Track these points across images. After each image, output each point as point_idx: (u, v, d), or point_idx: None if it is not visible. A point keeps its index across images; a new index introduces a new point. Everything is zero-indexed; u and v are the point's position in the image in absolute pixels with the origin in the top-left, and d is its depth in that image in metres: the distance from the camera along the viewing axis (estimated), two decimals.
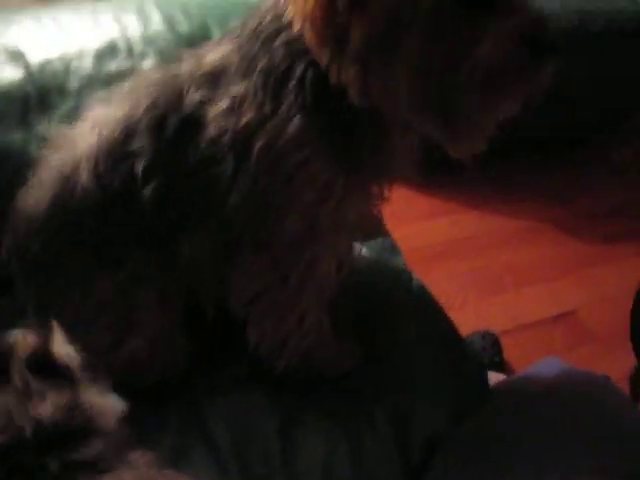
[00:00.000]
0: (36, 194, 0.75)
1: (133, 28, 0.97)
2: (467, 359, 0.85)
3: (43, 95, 0.89)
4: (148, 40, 0.96)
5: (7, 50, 0.91)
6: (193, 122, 0.68)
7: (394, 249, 0.95)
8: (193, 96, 0.69)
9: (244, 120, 0.66)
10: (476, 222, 1.77)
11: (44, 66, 0.91)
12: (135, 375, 0.75)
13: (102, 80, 0.91)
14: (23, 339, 0.63)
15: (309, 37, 0.62)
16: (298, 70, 0.64)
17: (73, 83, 0.90)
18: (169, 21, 0.99)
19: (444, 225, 1.73)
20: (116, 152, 0.71)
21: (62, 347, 0.64)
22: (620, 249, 1.75)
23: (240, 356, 0.80)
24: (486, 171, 1.88)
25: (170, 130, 0.69)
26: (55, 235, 0.74)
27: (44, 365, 0.62)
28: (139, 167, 0.69)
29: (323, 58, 0.62)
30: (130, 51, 0.94)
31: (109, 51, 0.93)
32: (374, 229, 0.94)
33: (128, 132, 0.70)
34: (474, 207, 1.79)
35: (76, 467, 0.57)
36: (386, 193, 0.76)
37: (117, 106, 0.73)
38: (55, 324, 0.65)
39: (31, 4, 1.11)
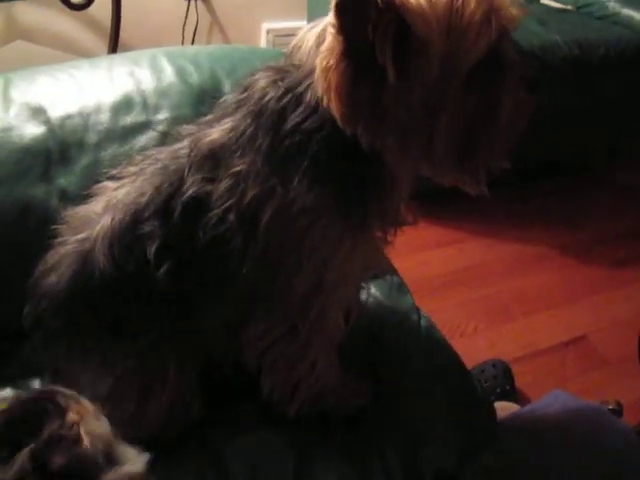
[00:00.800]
0: (56, 271, 0.78)
1: (147, 82, 1.01)
2: (475, 395, 0.87)
3: (64, 149, 0.93)
4: (161, 93, 1.00)
5: (30, 107, 0.96)
6: (197, 203, 0.71)
7: (402, 287, 0.98)
8: (195, 177, 0.71)
9: (250, 195, 0.69)
10: (484, 250, 1.79)
11: (64, 121, 0.95)
12: (151, 433, 0.77)
13: (119, 133, 0.95)
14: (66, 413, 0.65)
15: (337, 111, 0.64)
16: (312, 147, 0.67)
17: (92, 137, 0.95)
18: (180, 73, 1.03)
19: (452, 253, 1.76)
20: (128, 237, 0.74)
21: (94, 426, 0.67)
22: (629, 273, 1.76)
23: (255, 398, 0.82)
24: (493, 199, 1.92)
25: (177, 213, 0.72)
26: (75, 312, 0.77)
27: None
28: (151, 250, 0.72)
29: (350, 129, 0.65)
30: (145, 104, 0.98)
31: (125, 105, 0.98)
32: (381, 270, 0.97)
33: (137, 218, 0.73)
34: (481, 235, 1.82)
35: None
36: (390, 238, 0.79)
37: (126, 189, 0.76)
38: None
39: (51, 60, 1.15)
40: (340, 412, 0.82)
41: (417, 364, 0.87)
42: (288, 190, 0.67)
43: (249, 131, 0.69)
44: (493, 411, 0.87)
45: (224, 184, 0.70)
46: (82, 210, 0.81)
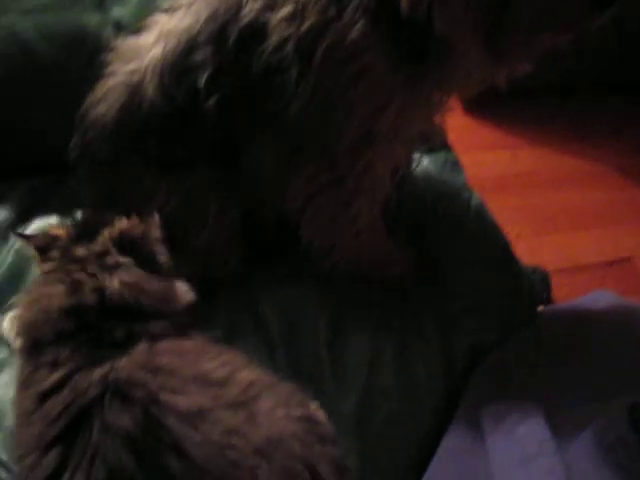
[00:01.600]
0: (105, 102, 0.77)
1: None
2: (520, 279, 0.84)
3: None
4: None
5: None
6: (254, 31, 0.67)
7: (456, 166, 0.94)
8: (253, 4, 0.67)
9: (307, 24, 0.65)
10: (536, 159, 1.71)
11: None
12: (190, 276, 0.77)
13: None
14: (121, 219, 0.67)
15: None
16: None
17: None
18: None
19: (506, 158, 1.69)
20: (179, 65, 0.71)
21: (155, 236, 0.68)
22: None
23: (293, 254, 0.81)
24: (556, 108, 1.82)
25: (231, 41, 0.68)
26: (122, 143, 0.76)
27: (131, 248, 0.65)
28: (202, 80, 0.70)
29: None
30: None
31: None
32: (436, 140, 0.93)
33: (190, 45, 0.70)
34: (538, 143, 1.74)
35: (139, 335, 0.60)
36: (449, 105, 0.74)
37: (179, 17, 0.73)
38: (156, 217, 0.68)
39: None
40: (380, 277, 0.81)
41: (465, 240, 0.85)
42: (343, 26, 0.63)
43: None
44: (535, 296, 0.85)
45: (283, 12, 0.66)
46: (133, 41, 0.78)
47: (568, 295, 1.47)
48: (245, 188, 0.77)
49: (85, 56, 0.85)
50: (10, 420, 0.63)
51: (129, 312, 0.62)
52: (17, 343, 0.64)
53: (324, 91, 0.67)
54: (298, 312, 0.78)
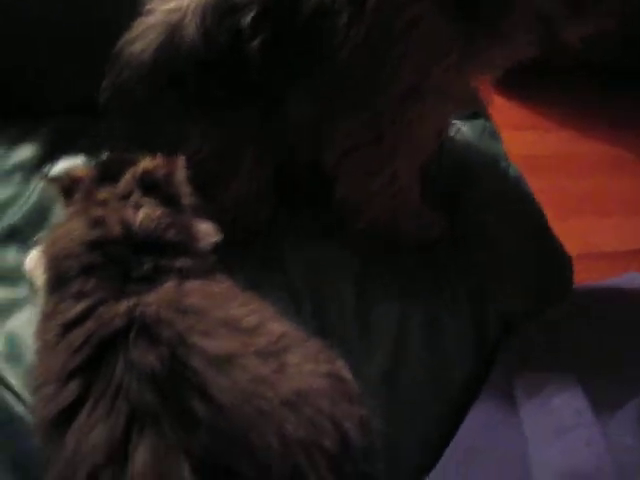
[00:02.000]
0: (142, 41, 0.74)
1: None
2: (556, 253, 0.82)
3: None
4: None
5: None
6: None
7: (494, 133, 0.91)
8: None
9: None
10: (564, 141, 1.68)
11: None
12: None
13: None
14: (146, 158, 0.65)
15: None
16: None
17: None
18: None
19: (534, 139, 1.66)
20: (222, 5, 0.69)
21: (180, 177, 0.66)
22: None
23: (324, 211, 0.79)
24: (588, 91, 1.78)
25: None
26: (158, 83, 0.73)
27: (155, 188, 0.63)
28: (246, 20, 0.67)
29: None
30: None
31: None
32: (475, 107, 0.90)
33: None
34: (568, 126, 1.70)
35: (167, 272, 0.59)
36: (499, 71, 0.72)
37: None
38: (182, 159, 0.66)
39: None
40: (411, 242, 0.79)
41: (502, 209, 0.82)
42: None
43: None
44: (571, 273, 0.82)
45: None
46: None
47: (587, 282, 1.46)
48: (282, 137, 0.74)
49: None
50: (29, 357, 0.62)
51: (156, 247, 0.60)
52: (42, 279, 0.62)
53: (376, 38, 0.64)
54: (324, 272, 0.76)
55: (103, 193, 0.63)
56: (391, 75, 0.67)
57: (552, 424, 0.54)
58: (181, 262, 0.60)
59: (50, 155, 0.85)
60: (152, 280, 0.57)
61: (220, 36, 0.69)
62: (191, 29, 0.70)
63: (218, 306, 0.58)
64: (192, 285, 0.58)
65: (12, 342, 0.68)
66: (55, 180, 0.67)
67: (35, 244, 0.70)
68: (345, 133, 0.72)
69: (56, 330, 0.55)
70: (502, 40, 0.67)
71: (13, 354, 0.67)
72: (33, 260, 0.71)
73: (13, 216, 0.79)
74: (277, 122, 0.73)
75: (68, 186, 0.65)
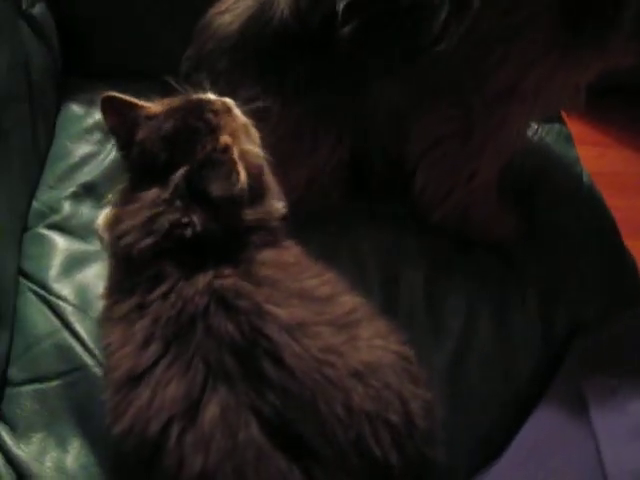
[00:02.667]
0: (231, 12, 0.74)
1: None
2: (625, 261, 0.80)
3: None
4: None
5: None
6: None
7: (569, 139, 0.90)
8: None
9: None
10: (624, 160, 1.65)
11: None
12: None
13: None
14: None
15: None
16: None
17: None
18: None
19: (593, 155, 1.62)
20: None
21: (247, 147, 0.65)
22: None
23: (400, 201, 0.79)
24: None
25: None
26: (243, 56, 0.73)
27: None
28: (341, 4, 0.66)
29: None
30: None
31: None
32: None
33: None
34: (625, 145, 1.67)
35: (243, 245, 0.59)
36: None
37: None
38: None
39: None
40: (482, 237, 0.78)
41: (574, 212, 0.81)
42: None
43: None
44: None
45: None
46: None
47: None
48: (364, 123, 0.74)
49: None
50: (97, 309, 0.63)
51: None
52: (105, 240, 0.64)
53: (479, 37, 0.63)
54: (396, 259, 0.76)
55: None
56: (488, 75, 0.66)
57: (628, 424, 0.53)
58: (256, 234, 0.60)
59: None
60: (229, 252, 0.57)
61: (313, 17, 0.68)
62: (283, 6, 0.70)
63: (291, 277, 0.58)
64: (266, 255, 0.59)
65: (82, 294, 0.70)
66: None
67: (107, 203, 0.70)
68: (431, 125, 0.71)
69: (133, 307, 0.56)
70: (606, 54, 0.67)
71: (83, 305, 0.69)
72: (104, 219, 0.72)
73: (90, 173, 0.81)
74: (359, 106, 0.72)
75: None
